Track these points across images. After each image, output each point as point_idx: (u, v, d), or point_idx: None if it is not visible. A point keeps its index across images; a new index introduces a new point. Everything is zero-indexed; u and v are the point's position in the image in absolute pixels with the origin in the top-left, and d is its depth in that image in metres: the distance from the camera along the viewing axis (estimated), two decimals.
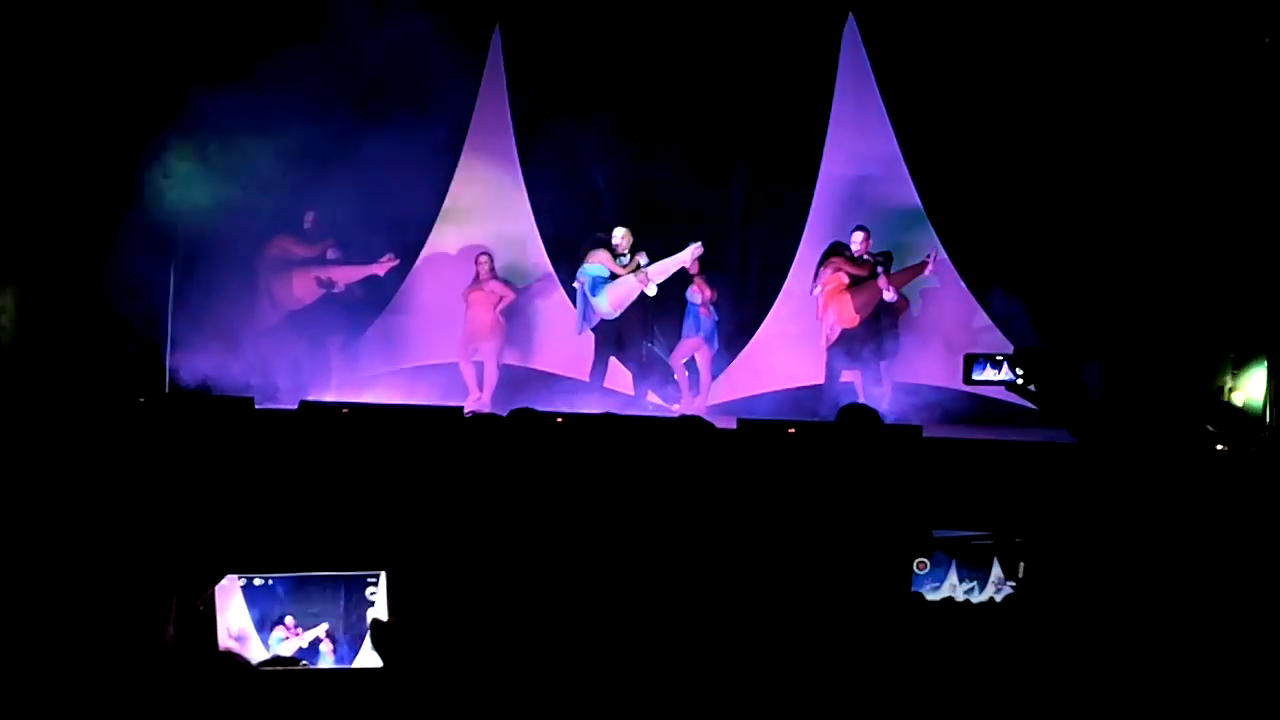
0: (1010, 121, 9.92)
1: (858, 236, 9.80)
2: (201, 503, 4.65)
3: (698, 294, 10.09)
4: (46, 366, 9.73)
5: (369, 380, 11.01)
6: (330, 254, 10.65)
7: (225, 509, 4.60)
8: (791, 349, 10.34)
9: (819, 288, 9.85)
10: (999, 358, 6.15)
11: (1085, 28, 9.65)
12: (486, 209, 11.16)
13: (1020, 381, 3.00)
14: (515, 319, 10.74)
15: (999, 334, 9.85)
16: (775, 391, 10.39)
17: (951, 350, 9.77)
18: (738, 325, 10.60)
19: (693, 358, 10.25)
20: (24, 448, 5.87)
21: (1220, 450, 7.25)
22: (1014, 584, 3.53)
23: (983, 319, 10.02)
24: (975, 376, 8.30)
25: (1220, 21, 9.21)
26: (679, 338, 10.22)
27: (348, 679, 3.01)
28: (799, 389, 10.24)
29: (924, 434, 7.85)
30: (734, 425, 8.64)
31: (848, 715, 2.84)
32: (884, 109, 10.47)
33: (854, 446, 3.73)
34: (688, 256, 9.90)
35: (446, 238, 11.18)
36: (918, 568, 3.48)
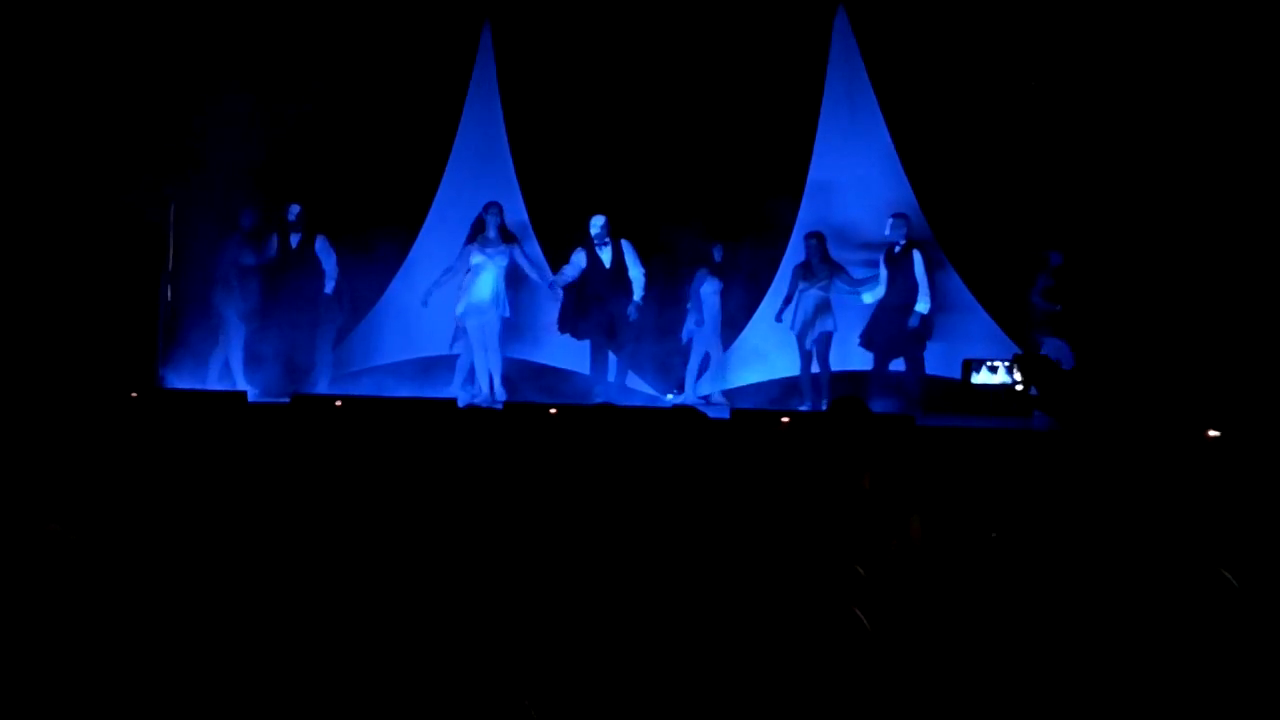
0: (1007, 112, 9.91)
1: (889, 223, 9.81)
2: (197, 495, 4.66)
3: (711, 284, 10.12)
4: (39, 364, 9.75)
5: (359, 375, 11.00)
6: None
7: (221, 501, 4.60)
8: (784, 338, 10.33)
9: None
10: (996, 363, 6.14)
11: (1083, 15, 9.65)
12: (479, 203, 11.15)
13: (1020, 388, 3.03)
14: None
15: (997, 328, 9.87)
16: (769, 381, 10.42)
17: (946, 343, 9.81)
18: (730, 315, 10.59)
19: (695, 346, 10.27)
20: (19, 444, 5.87)
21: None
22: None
23: (980, 313, 10.02)
24: (975, 380, 8.36)
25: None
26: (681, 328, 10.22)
27: None
28: (791, 379, 10.25)
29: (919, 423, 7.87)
30: (727, 415, 8.67)
31: (837, 695, 2.86)
32: (875, 99, 10.46)
33: (845, 436, 3.75)
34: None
35: (437, 231, 11.16)
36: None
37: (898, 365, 9.78)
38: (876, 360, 9.81)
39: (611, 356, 10.28)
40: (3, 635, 2.52)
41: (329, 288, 10.45)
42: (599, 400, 9.43)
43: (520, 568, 3.14)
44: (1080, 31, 9.67)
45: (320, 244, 10.45)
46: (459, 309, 10.13)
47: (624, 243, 10.08)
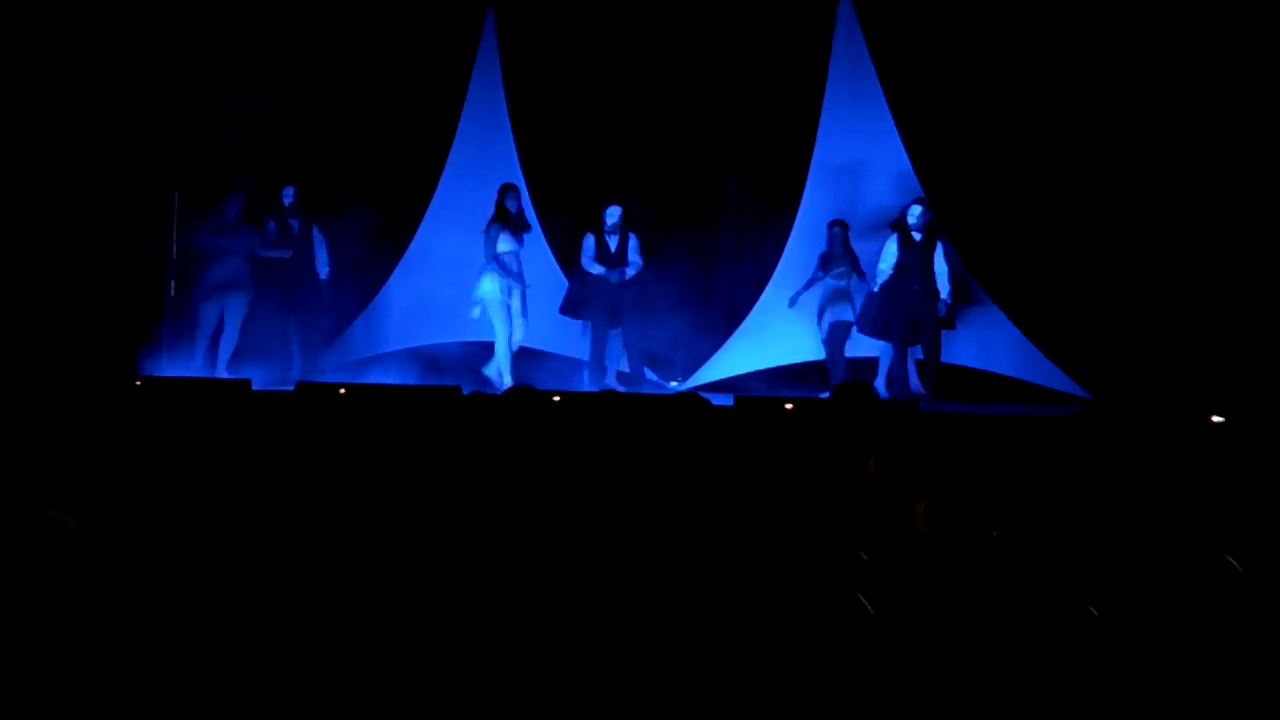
0: (1014, 100, 9.89)
1: (915, 210, 9.71)
2: (201, 483, 4.66)
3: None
4: (42, 352, 9.76)
5: (364, 364, 10.99)
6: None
7: (224, 490, 4.61)
8: (787, 325, 10.32)
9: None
10: None
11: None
12: (481, 193, 11.12)
13: None
14: None
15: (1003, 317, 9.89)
16: (774, 368, 10.42)
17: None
18: (733, 301, 10.59)
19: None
20: (21, 432, 5.88)
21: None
22: None
23: (986, 302, 10.02)
24: None
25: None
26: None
27: None
28: (796, 365, 10.26)
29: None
30: (731, 402, 8.66)
31: (841, 681, 2.86)
32: (880, 84, 10.43)
33: (850, 422, 3.75)
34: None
35: (440, 221, 11.14)
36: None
37: (916, 353, 9.77)
38: (896, 346, 9.75)
39: (612, 341, 10.27)
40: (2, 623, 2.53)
41: (324, 274, 10.47)
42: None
43: (526, 555, 3.14)
44: (1090, 20, 9.65)
45: (315, 231, 10.46)
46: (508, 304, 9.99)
47: (631, 236, 10.07)
